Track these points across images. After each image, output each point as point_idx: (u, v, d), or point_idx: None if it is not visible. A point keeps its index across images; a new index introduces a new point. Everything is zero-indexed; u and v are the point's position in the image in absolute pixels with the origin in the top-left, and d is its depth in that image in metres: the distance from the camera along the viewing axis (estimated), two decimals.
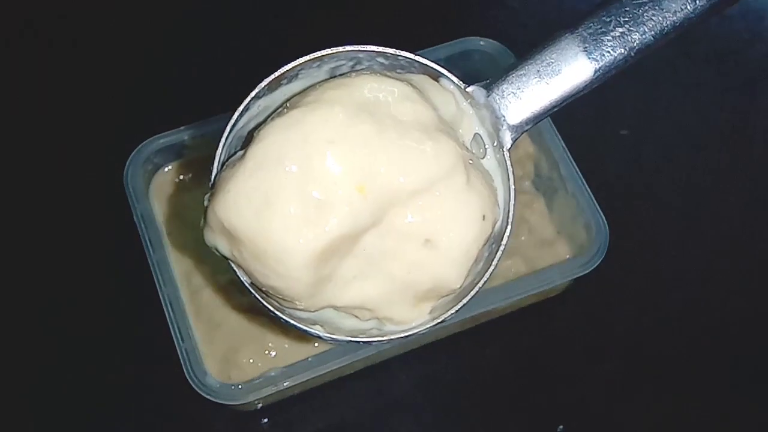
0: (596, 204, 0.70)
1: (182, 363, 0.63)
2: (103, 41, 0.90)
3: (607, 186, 0.75)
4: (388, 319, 0.48)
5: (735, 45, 0.93)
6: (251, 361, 0.68)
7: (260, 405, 0.70)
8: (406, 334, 0.48)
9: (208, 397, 0.62)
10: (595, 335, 0.76)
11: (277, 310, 0.48)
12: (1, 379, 0.72)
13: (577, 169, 0.72)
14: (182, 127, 0.73)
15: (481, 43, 0.78)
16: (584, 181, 0.71)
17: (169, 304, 0.65)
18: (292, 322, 0.48)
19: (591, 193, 0.71)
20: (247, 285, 0.47)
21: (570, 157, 0.73)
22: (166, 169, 0.76)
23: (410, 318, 0.48)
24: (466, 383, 0.74)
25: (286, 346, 0.68)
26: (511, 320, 0.74)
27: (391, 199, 0.44)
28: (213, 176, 0.47)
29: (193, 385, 0.63)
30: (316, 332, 0.48)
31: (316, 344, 0.68)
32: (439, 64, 0.49)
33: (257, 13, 0.91)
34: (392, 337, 0.48)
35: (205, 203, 0.45)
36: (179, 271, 0.71)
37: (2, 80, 0.87)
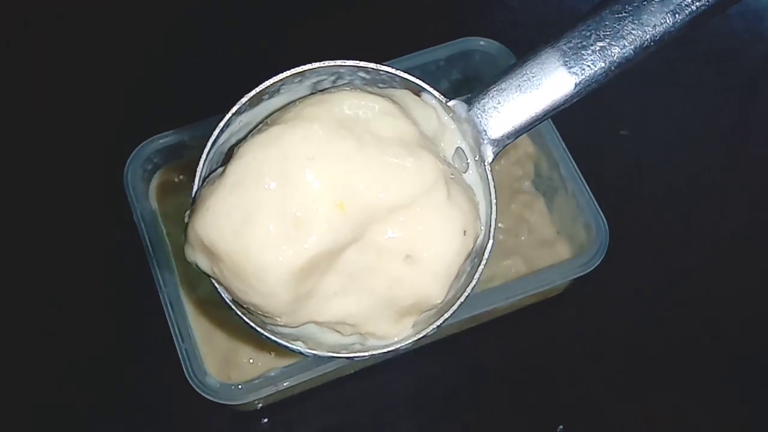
0: (596, 204, 0.70)
1: (182, 363, 0.63)
2: (103, 41, 0.90)
3: (607, 186, 0.75)
4: (370, 334, 0.48)
5: (735, 45, 0.93)
6: (251, 361, 0.68)
7: (260, 405, 0.70)
8: (389, 349, 0.48)
9: (208, 397, 0.62)
10: (595, 335, 0.76)
11: (259, 326, 0.47)
12: (1, 379, 0.72)
13: (577, 169, 0.72)
14: (182, 127, 0.73)
15: (481, 43, 0.78)
16: (584, 181, 0.71)
17: (169, 304, 0.65)
18: (273, 338, 0.47)
19: (591, 193, 0.71)
20: (228, 302, 0.47)
21: (570, 157, 0.73)
22: (166, 169, 0.76)
23: (392, 333, 0.48)
24: (466, 383, 0.74)
25: None
26: (511, 320, 0.74)
27: (372, 216, 0.44)
28: (194, 192, 0.47)
29: (193, 385, 0.63)
30: (298, 348, 0.48)
31: None
32: (420, 79, 0.49)
33: (257, 13, 0.91)
34: (375, 352, 0.48)
35: (186, 220, 0.45)
36: (179, 271, 0.71)
37: (2, 80, 0.87)
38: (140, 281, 0.68)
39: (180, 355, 0.63)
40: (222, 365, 0.68)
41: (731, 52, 0.92)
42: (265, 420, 0.71)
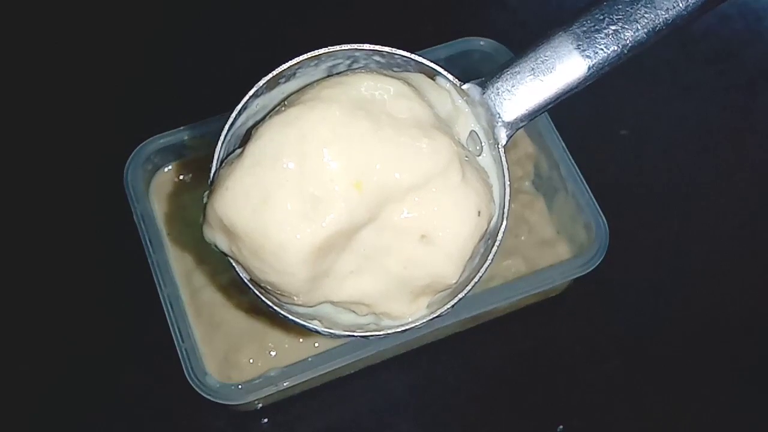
0: (596, 204, 0.70)
1: (182, 363, 0.63)
2: (103, 41, 0.90)
3: (607, 186, 0.75)
4: (385, 314, 0.48)
5: (735, 45, 0.93)
6: (251, 361, 0.68)
7: (260, 405, 0.70)
8: (404, 328, 0.49)
9: (208, 397, 0.62)
10: (595, 335, 0.76)
11: (276, 306, 0.48)
12: (1, 378, 0.72)
13: (577, 169, 0.72)
14: (182, 127, 0.73)
15: (481, 43, 0.78)
16: (584, 181, 0.71)
17: (169, 304, 0.65)
18: (290, 317, 0.48)
19: (591, 193, 0.71)
20: (246, 281, 0.48)
21: (570, 157, 0.73)
22: (166, 169, 0.76)
23: (407, 313, 0.48)
24: (466, 383, 0.74)
25: (287, 346, 0.68)
26: (511, 320, 0.74)
27: (388, 195, 0.44)
28: (212, 173, 0.47)
29: (193, 385, 0.63)
30: (314, 327, 0.49)
31: (317, 344, 0.68)
32: (434, 62, 0.49)
33: (257, 12, 0.91)
34: (389, 331, 0.49)
35: (204, 200, 0.46)
36: (179, 271, 0.71)
37: (2, 80, 0.87)
38: (140, 281, 0.68)
39: (180, 355, 0.63)
40: (222, 365, 0.68)
41: (731, 52, 0.93)
42: (265, 420, 0.71)
